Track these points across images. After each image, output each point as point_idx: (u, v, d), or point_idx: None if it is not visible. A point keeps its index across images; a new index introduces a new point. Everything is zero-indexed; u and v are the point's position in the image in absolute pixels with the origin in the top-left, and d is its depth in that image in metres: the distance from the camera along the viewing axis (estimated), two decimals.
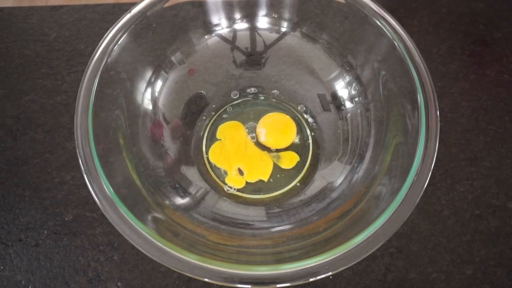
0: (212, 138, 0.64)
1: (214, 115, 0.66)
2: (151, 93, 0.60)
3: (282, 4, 0.61)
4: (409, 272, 0.57)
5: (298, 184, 0.61)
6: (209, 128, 0.65)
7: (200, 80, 0.64)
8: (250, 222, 0.57)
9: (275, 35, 0.63)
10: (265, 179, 0.61)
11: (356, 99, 0.60)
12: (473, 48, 0.73)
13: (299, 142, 0.64)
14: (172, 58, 0.61)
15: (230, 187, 0.60)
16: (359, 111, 0.60)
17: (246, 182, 0.61)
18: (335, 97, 0.63)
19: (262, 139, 0.64)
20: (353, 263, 0.42)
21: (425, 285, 0.56)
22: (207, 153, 0.63)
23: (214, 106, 0.66)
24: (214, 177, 0.61)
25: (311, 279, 0.41)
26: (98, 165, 0.46)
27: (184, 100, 0.64)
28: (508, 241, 0.59)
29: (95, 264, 0.57)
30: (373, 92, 0.58)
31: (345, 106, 0.62)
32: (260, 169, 0.62)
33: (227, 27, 0.63)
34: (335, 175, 0.58)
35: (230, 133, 0.65)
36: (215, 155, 0.63)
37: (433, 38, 0.74)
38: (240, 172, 0.62)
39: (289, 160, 0.63)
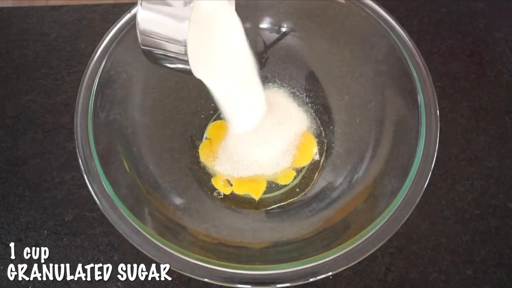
0: None
1: (213, 115, 0.66)
2: (151, 92, 0.60)
3: (282, 4, 0.61)
4: (409, 272, 0.57)
5: (298, 184, 0.61)
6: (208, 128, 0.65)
7: (200, 79, 0.64)
8: (250, 222, 0.57)
9: (275, 35, 0.63)
10: (256, 197, 0.59)
11: (356, 99, 0.61)
12: (473, 48, 0.73)
13: None
14: None
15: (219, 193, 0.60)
16: (359, 111, 0.60)
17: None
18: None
19: None
20: (353, 263, 0.42)
21: (425, 285, 0.57)
22: None
23: (213, 105, 0.66)
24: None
25: (311, 279, 0.41)
26: (98, 165, 0.46)
27: (183, 99, 0.64)
28: (508, 241, 0.59)
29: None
30: (373, 92, 0.58)
31: None
32: (249, 186, 0.60)
33: None
34: (335, 175, 0.59)
35: (219, 134, 0.64)
36: (205, 154, 0.62)
37: (433, 38, 0.74)
38: (229, 182, 0.61)
39: (285, 177, 0.61)
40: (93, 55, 0.52)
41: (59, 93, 0.68)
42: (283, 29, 0.63)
